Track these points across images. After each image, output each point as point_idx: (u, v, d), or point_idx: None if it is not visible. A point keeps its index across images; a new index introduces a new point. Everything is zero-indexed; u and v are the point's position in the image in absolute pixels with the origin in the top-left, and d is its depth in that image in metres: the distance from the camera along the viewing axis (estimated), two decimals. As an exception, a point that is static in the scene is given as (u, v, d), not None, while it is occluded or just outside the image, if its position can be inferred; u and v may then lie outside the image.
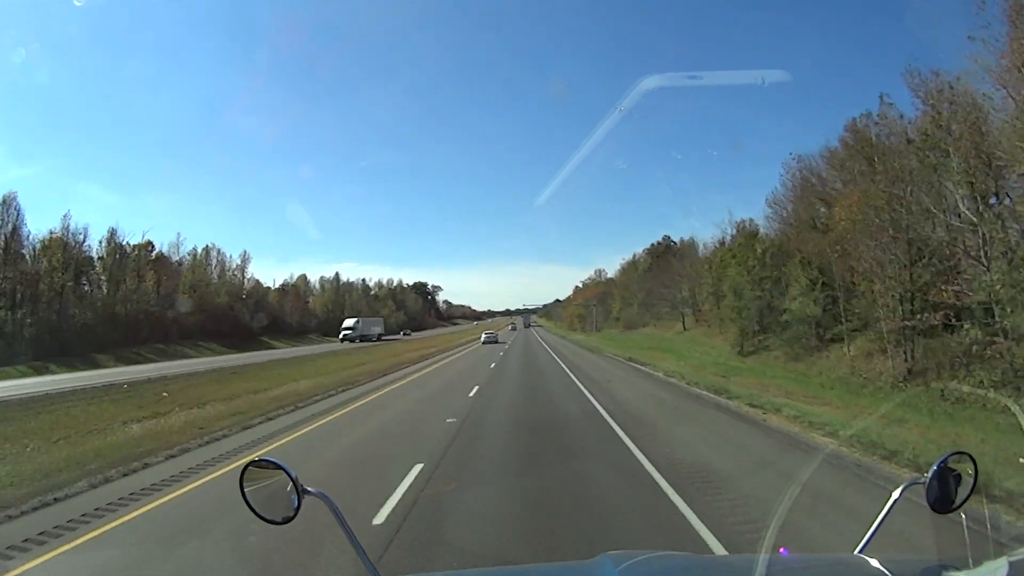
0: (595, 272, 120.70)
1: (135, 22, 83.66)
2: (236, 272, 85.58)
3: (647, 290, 69.97)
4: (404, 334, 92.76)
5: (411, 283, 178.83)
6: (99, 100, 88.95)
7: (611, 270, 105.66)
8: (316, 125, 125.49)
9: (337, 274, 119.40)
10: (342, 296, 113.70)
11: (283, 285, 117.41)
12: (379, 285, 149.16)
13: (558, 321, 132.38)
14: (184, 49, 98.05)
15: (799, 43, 65.41)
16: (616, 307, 78.63)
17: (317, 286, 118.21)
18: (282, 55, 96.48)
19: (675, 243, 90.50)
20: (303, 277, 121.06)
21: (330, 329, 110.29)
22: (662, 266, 75.85)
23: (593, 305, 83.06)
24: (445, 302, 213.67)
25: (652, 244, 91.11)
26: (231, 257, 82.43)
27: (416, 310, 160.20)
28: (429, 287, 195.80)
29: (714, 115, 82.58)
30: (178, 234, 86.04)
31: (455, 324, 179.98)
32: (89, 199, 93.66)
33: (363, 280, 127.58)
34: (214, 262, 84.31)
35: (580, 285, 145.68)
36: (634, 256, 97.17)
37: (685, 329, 44.50)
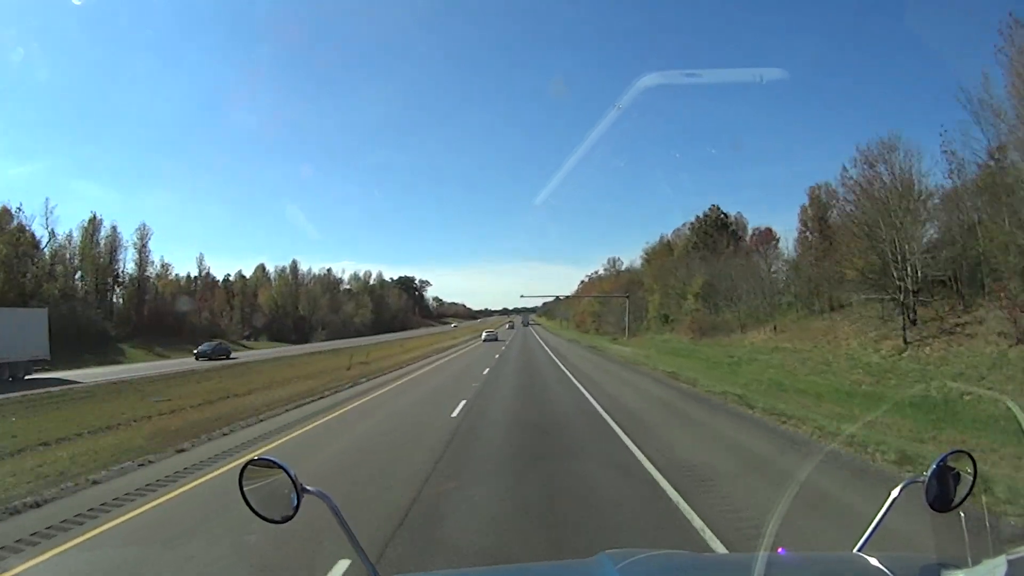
0: (608, 262, 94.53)
1: (134, 20, 78.55)
2: (136, 253, 59.48)
3: (712, 277, 44.35)
4: (199, 356, 39.14)
5: (396, 277, 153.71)
6: (97, 98, 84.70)
7: (628, 260, 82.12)
8: (314, 124, 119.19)
9: (294, 262, 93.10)
10: (296, 290, 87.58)
11: (235, 278, 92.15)
12: (355, 278, 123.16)
13: (563, 320, 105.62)
14: (182, 47, 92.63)
15: (798, 42, 60.68)
16: (654, 302, 52.54)
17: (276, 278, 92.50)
18: (280, 54, 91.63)
19: (727, 215, 65.74)
20: (260, 267, 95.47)
21: (278, 331, 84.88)
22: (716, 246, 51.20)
23: (625, 297, 56.63)
24: (435, 299, 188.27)
25: (697, 217, 65.64)
26: (122, 235, 56.15)
27: (399, 307, 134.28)
28: (416, 282, 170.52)
29: (713, 113, 77.04)
30: (46, 199, 59.45)
31: (445, 324, 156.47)
32: (86, 197, 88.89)
33: (328, 270, 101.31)
34: (102, 240, 58.66)
35: (586, 279, 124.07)
36: (662, 239, 71.77)
37: (907, 343, 18.21)
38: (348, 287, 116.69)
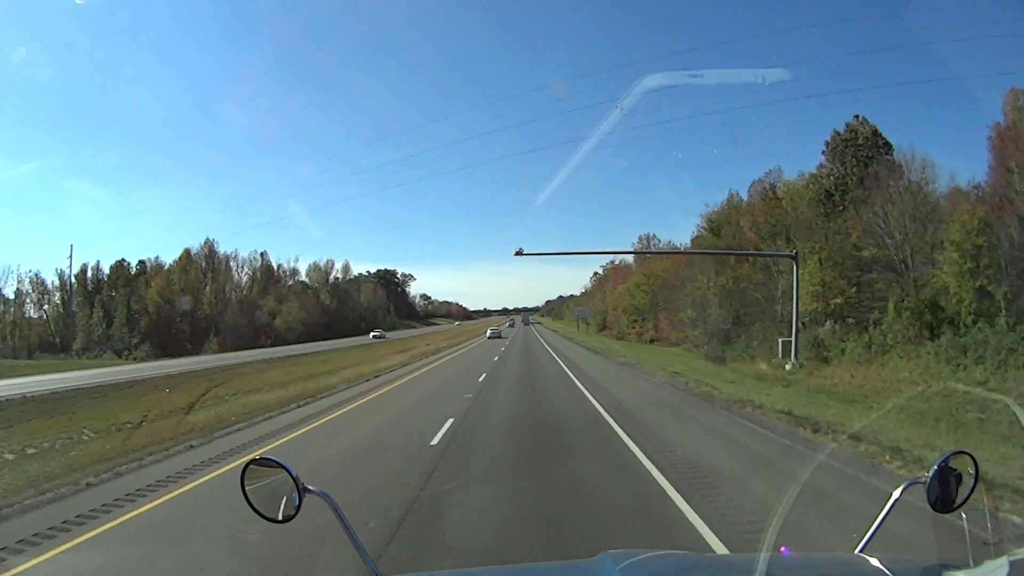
0: (641, 241, 64.87)
1: (134, 20, 65.51)
2: None
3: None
4: None
5: (373, 270, 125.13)
6: (96, 97, 76.69)
7: (665, 239, 56.94)
8: (313, 124, 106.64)
9: (210, 243, 63.96)
10: (198, 280, 58.89)
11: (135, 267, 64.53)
12: (315, 268, 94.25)
13: (579, 321, 76.00)
14: (182, 45, 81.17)
15: (800, 42, 56.44)
16: (805, 280, 23.32)
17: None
18: (276, 52, 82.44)
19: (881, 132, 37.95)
20: (186, 253, 66.55)
21: (168, 339, 56.51)
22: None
23: (789, 258, 25.30)
24: (423, 296, 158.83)
25: (836, 134, 37.48)
26: None
27: (369, 306, 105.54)
28: (398, 276, 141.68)
29: (715, 114, 69.17)
30: None
31: (432, 324, 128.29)
32: (83, 196, 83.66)
33: (262, 254, 72.25)
34: None
35: (601, 271, 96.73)
36: (732, 197, 43.62)
37: None
38: (304, 280, 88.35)
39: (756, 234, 36.59)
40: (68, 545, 5.24)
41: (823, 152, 36.23)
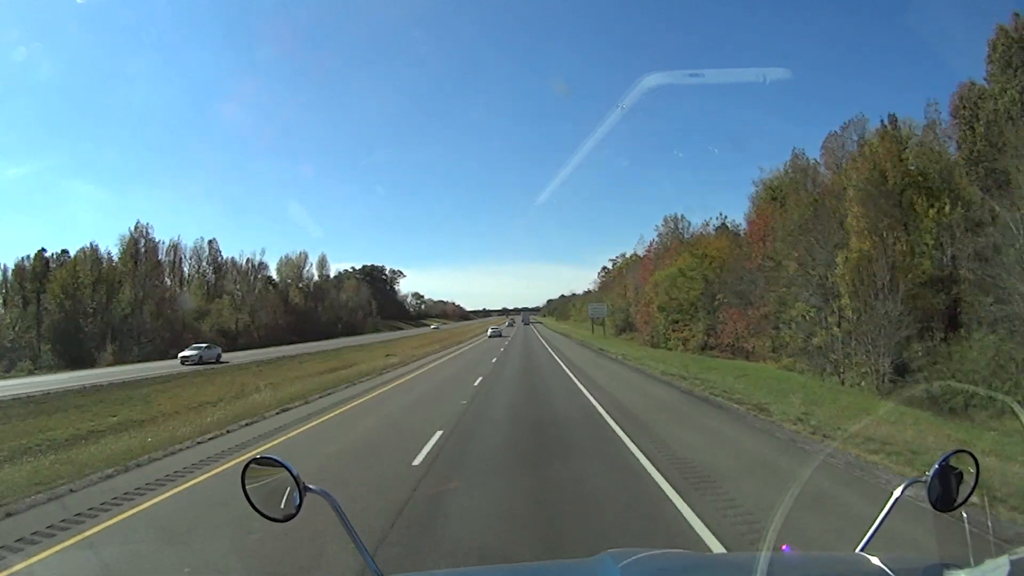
0: (666, 223, 52.36)
1: (136, 20, 64.21)
2: None
3: None
4: None
5: (358, 267, 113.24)
6: (97, 97, 72.69)
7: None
8: (313, 123, 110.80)
9: (142, 229, 51.61)
10: (112, 273, 46.47)
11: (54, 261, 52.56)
12: (287, 261, 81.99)
13: (591, 322, 63.18)
14: (181, 45, 78.58)
15: (801, 42, 54.44)
16: None
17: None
18: (277, 52, 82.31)
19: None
20: (131, 243, 54.12)
21: (74, 346, 44.41)
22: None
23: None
24: (415, 295, 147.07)
25: (1003, 30, 24.71)
26: None
27: (355, 304, 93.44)
28: (386, 272, 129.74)
29: (716, 113, 74.30)
30: None
31: (423, 326, 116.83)
32: (81, 197, 79.74)
33: (209, 243, 60.08)
34: None
35: (610, 265, 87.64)
36: (801, 153, 32.26)
37: None
38: (271, 276, 76.22)
39: (878, 190, 24.57)
40: None
41: (987, 59, 24.17)
